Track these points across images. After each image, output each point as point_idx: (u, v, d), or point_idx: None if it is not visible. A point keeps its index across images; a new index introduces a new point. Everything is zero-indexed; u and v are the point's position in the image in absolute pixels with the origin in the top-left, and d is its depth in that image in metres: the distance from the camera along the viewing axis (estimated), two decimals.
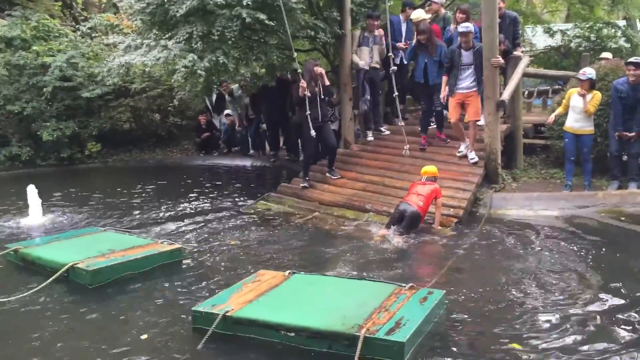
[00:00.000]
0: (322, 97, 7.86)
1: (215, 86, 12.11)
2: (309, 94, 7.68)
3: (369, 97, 8.93)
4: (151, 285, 4.83)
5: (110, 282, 4.82)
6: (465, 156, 7.77)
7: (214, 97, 13.46)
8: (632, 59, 7.17)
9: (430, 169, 6.75)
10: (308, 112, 7.67)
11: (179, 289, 4.73)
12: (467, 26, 7.43)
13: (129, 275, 4.95)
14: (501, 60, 7.35)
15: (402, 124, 8.10)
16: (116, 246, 5.41)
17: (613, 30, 14.66)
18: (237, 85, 12.28)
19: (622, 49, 13.25)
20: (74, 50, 12.32)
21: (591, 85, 7.19)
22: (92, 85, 11.90)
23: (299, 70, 7.92)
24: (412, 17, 8.66)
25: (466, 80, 7.51)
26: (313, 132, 7.75)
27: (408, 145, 7.86)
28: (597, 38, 14.39)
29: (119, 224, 7.05)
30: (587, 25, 14.76)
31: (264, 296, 3.98)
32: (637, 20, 17.37)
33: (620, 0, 12.74)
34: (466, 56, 7.48)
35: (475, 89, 7.52)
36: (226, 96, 12.60)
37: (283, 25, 7.54)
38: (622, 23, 16.05)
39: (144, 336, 3.79)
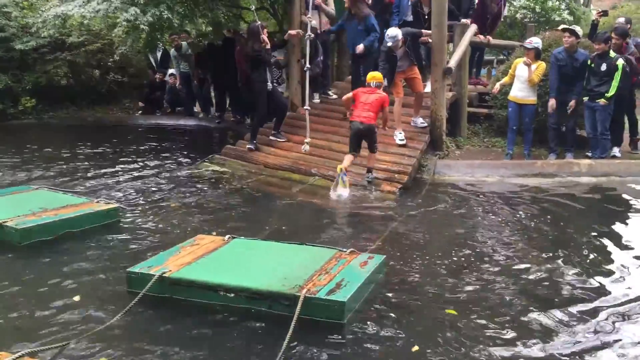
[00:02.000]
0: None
1: (160, 42, 11.66)
2: (269, 47, 7.53)
3: (321, 59, 8.79)
4: (85, 245, 4.65)
5: (41, 242, 4.61)
6: (404, 141, 7.42)
7: (159, 54, 12.97)
8: (568, 27, 7.33)
9: (377, 74, 6.68)
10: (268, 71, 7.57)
11: (114, 251, 4.58)
12: (394, 36, 7.04)
13: (61, 235, 4.76)
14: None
15: (308, 108, 7.75)
16: (49, 205, 5.17)
17: (557, 2, 14.98)
18: (186, 42, 11.85)
19: (565, 21, 13.55)
20: None
21: (537, 55, 7.32)
22: (26, 37, 11.24)
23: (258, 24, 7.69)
24: None
25: (403, 63, 7.38)
26: (270, 85, 7.62)
27: (309, 140, 7.45)
28: (542, 10, 14.68)
29: (53, 182, 6.75)
30: None
31: (203, 259, 3.90)
32: None
33: None
34: (400, 53, 7.31)
35: (412, 64, 7.44)
36: (171, 51, 12.13)
37: None
38: None
39: (76, 298, 3.65)
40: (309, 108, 7.70)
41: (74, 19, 9.59)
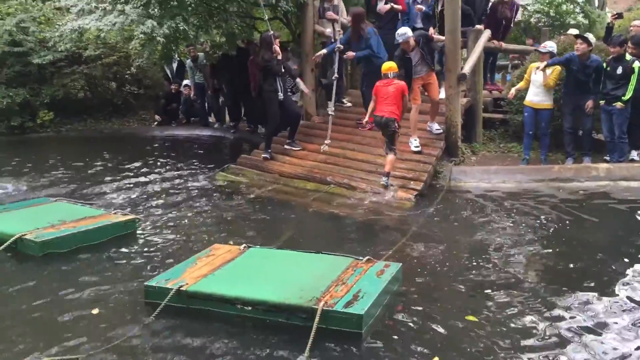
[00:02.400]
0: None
1: (175, 53, 11.78)
2: (280, 57, 7.60)
3: (336, 68, 8.81)
4: (103, 257, 4.70)
5: (61, 254, 4.67)
6: (419, 148, 7.39)
7: (175, 65, 13.08)
8: (580, 34, 7.26)
9: (392, 64, 6.83)
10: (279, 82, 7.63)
11: (132, 262, 4.62)
12: (403, 34, 7.11)
13: (80, 246, 4.81)
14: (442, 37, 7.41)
15: (332, 113, 7.91)
16: (67, 217, 5.24)
17: (572, 6, 14.87)
18: (202, 53, 11.96)
19: (580, 25, 13.45)
20: (24, 13, 11.76)
21: (551, 58, 7.27)
22: (44, 51, 11.42)
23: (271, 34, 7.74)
24: None
25: (421, 68, 7.37)
26: (281, 95, 7.70)
27: (329, 141, 7.58)
28: (557, 14, 14.59)
29: (72, 194, 6.83)
30: (547, 1, 14.92)
31: (219, 270, 3.91)
32: None
33: None
34: (413, 56, 7.30)
35: (430, 70, 7.41)
36: (187, 62, 12.22)
37: None
38: None
39: (95, 310, 3.69)
40: (332, 113, 7.83)
41: (90, 33, 9.72)
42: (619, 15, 8.24)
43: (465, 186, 7.03)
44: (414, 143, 7.36)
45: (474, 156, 8.01)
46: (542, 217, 5.74)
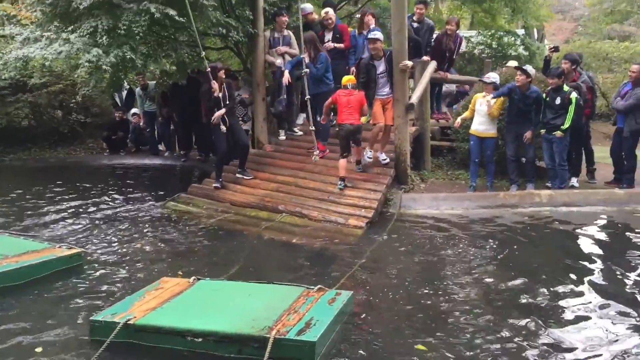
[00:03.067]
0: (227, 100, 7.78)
1: (124, 82, 11.65)
2: (219, 94, 7.56)
3: (284, 97, 8.89)
4: (47, 293, 4.53)
5: (2, 289, 4.47)
6: (372, 159, 7.77)
7: (124, 92, 12.88)
8: (522, 66, 7.60)
9: (350, 77, 7.49)
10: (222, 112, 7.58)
11: (78, 297, 4.46)
12: (376, 33, 7.47)
13: (23, 282, 4.63)
14: (409, 63, 7.49)
15: (313, 128, 7.87)
16: (9, 251, 5.02)
17: (513, 38, 15.55)
18: (154, 81, 11.85)
19: (521, 57, 14.04)
20: None
21: (495, 89, 7.56)
22: None
23: (208, 69, 7.70)
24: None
25: (384, 87, 7.60)
26: (224, 128, 7.63)
27: (318, 151, 7.71)
28: (499, 45, 15.21)
29: (14, 226, 6.58)
30: (490, 33, 15.55)
31: (168, 303, 3.83)
32: (535, 29, 18.52)
33: (520, 9, 13.52)
34: (380, 65, 7.54)
35: (392, 94, 7.59)
36: (137, 90, 12.07)
37: (194, 23, 7.35)
38: (521, 32, 17.06)
39: (39, 349, 3.54)
40: (313, 128, 7.81)
41: (35, 61, 9.51)
42: (556, 49, 8.67)
43: (415, 213, 7.16)
44: (368, 154, 7.65)
45: (423, 183, 8.18)
46: (489, 242, 5.89)
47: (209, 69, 7.57)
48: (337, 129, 7.67)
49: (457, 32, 9.71)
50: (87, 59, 7.43)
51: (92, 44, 7.56)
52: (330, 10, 8.86)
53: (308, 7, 9.32)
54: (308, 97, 7.79)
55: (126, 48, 7.56)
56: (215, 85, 7.54)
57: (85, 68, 7.65)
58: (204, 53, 8.00)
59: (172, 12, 7.39)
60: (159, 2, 7.33)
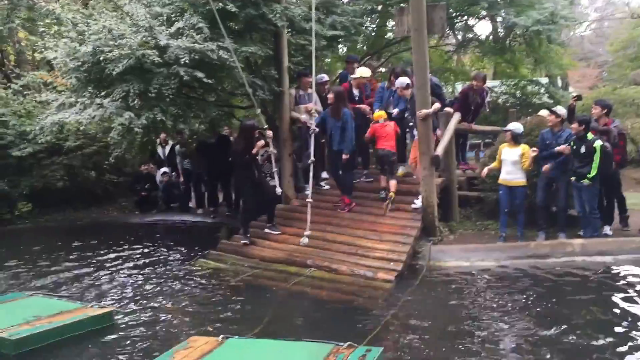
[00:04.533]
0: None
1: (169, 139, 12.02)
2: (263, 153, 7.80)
3: (310, 152, 9.02)
4: (79, 353, 4.58)
5: (35, 350, 4.54)
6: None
7: (167, 148, 13.00)
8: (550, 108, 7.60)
9: (381, 112, 8.43)
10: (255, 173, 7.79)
11: (108, 357, 4.49)
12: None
13: (56, 342, 4.69)
14: (428, 111, 7.57)
15: (310, 197, 7.84)
16: (42, 312, 5.13)
17: (537, 87, 15.60)
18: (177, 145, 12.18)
19: (545, 105, 14.04)
20: (4, 108, 11.97)
21: (513, 138, 7.56)
22: (24, 144, 11.51)
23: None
24: (355, 75, 8.96)
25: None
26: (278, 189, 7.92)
27: (309, 232, 7.45)
28: (522, 94, 15.26)
29: (48, 287, 6.71)
30: (513, 83, 15.64)
31: None
32: (558, 77, 18.57)
33: (542, 59, 13.61)
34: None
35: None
36: (177, 148, 12.34)
37: (221, 83, 7.61)
38: (544, 80, 17.11)
39: None
40: (311, 200, 7.75)
41: (70, 124, 9.89)
42: (579, 97, 8.67)
43: (444, 265, 7.07)
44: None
45: (451, 235, 8.10)
46: (522, 295, 5.77)
47: (251, 123, 7.97)
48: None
49: (484, 86, 9.81)
50: (119, 122, 7.72)
51: (125, 107, 7.86)
52: (365, 72, 9.05)
53: (324, 77, 9.61)
54: (312, 159, 7.87)
55: (157, 110, 7.83)
56: (261, 143, 7.81)
57: (117, 130, 7.93)
58: (259, 110, 8.52)
59: (200, 74, 7.67)
60: (188, 66, 7.61)
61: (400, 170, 8.87)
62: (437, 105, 7.89)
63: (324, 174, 9.71)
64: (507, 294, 5.79)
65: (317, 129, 8.06)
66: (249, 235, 8.02)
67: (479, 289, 6.08)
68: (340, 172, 8.37)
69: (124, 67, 7.59)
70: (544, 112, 9.88)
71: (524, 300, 5.57)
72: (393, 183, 8.07)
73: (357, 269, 6.76)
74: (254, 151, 7.80)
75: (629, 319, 4.95)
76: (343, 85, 8.96)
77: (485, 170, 8.03)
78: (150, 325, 5.25)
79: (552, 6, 11.55)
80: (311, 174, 7.99)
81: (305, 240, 7.34)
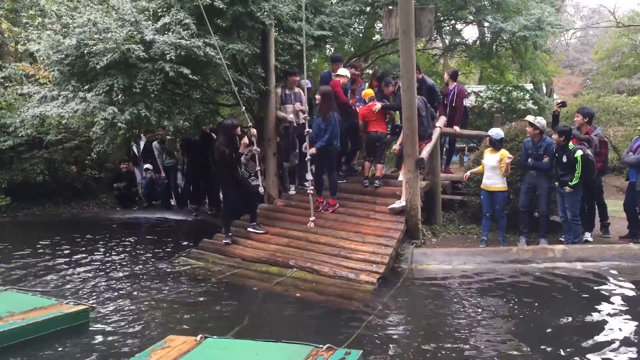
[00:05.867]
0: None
1: (142, 135, 11.88)
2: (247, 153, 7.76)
3: (298, 152, 9.00)
4: (53, 350, 4.49)
5: (8, 348, 4.43)
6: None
7: (142, 143, 12.94)
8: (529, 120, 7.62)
9: (368, 91, 8.69)
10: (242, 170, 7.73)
11: (83, 355, 4.41)
12: None
13: (29, 340, 4.58)
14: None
15: (309, 188, 8.04)
16: (16, 308, 5.01)
17: (522, 93, 15.70)
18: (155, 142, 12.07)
19: (530, 111, 14.15)
20: None
21: (492, 144, 7.60)
22: (4, 136, 11.32)
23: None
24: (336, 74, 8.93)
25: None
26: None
27: (313, 218, 7.85)
28: (508, 100, 15.35)
29: (23, 282, 6.59)
30: (498, 88, 15.74)
31: None
32: (543, 84, 18.74)
33: (527, 65, 13.71)
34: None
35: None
36: (154, 144, 12.22)
37: (207, 80, 7.51)
38: (530, 86, 17.26)
39: None
40: (311, 189, 8.08)
41: (52, 118, 9.73)
42: (563, 104, 8.72)
43: (426, 268, 7.08)
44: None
45: (434, 238, 8.11)
46: (502, 299, 5.78)
47: (230, 122, 7.91)
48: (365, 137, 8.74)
49: (456, 84, 9.85)
50: (102, 117, 7.59)
51: (108, 102, 7.74)
52: (344, 72, 9.03)
53: (308, 83, 9.59)
54: (309, 157, 7.97)
55: (141, 106, 7.72)
56: (245, 140, 7.81)
57: (100, 125, 7.80)
58: (244, 108, 8.36)
59: (186, 70, 7.58)
60: (174, 62, 7.52)
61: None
62: (443, 119, 8.05)
63: (309, 175, 9.66)
64: (488, 298, 5.81)
65: (310, 130, 7.99)
66: (230, 234, 7.95)
67: (460, 293, 6.08)
68: (318, 170, 8.35)
69: (108, 61, 7.46)
70: (530, 118, 9.94)
71: (504, 305, 5.58)
72: (379, 166, 8.58)
73: (340, 270, 6.73)
74: (240, 150, 7.75)
75: (609, 324, 4.98)
76: (333, 81, 8.90)
77: (468, 173, 8.07)
78: (127, 324, 5.16)
79: (539, 13, 11.65)
80: (310, 169, 8.17)
81: (311, 224, 7.81)
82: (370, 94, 8.58)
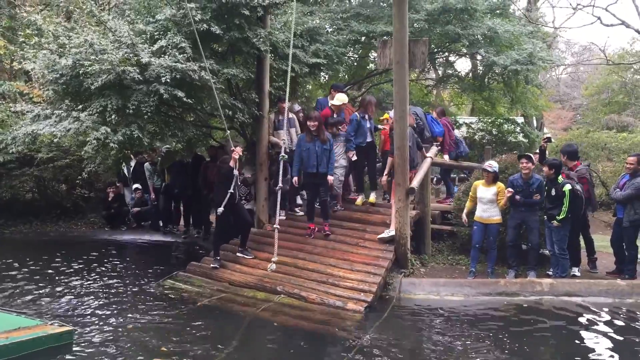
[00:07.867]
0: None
1: (132, 156, 11.86)
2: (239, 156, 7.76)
3: (289, 177, 9.02)
4: None
5: None
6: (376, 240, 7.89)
7: (132, 164, 12.89)
8: (525, 154, 7.71)
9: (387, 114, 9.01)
10: (231, 190, 7.66)
11: None
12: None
13: (13, 358, 4.53)
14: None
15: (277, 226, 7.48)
16: (0, 327, 4.94)
17: (512, 126, 15.89)
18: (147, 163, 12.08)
19: (520, 144, 14.30)
20: None
21: (495, 178, 7.64)
22: None
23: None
24: (334, 101, 9.00)
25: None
26: (220, 209, 7.65)
27: (275, 258, 7.11)
28: (499, 132, 15.52)
29: (8, 302, 6.50)
30: (490, 120, 15.92)
31: None
32: (534, 117, 18.98)
33: (518, 99, 13.90)
34: None
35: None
36: (146, 165, 12.17)
37: (201, 103, 7.53)
38: (520, 120, 17.48)
39: None
40: (278, 227, 7.48)
41: (44, 136, 9.71)
42: (548, 140, 8.87)
43: (414, 298, 7.07)
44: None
45: (423, 268, 8.11)
46: (489, 332, 5.77)
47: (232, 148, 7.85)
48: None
49: (444, 118, 10.21)
50: (95, 137, 7.58)
51: (101, 122, 7.74)
52: (343, 97, 9.12)
53: (295, 106, 9.73)
54: (280, 186, 7.68)
55: (134, 127, 7.73)
56: (239, 150, 7.82)
57: (92, 145, 7.79)
58: (228, 132, 8.25)
59: (180, 93, 7.62)
60: (168, 84, 7.56)
61: (372, 197, 8.92)
62: (434, 149, 8.09)
63: (299, 200, 9.68)
64: (475, 330, 5.80)
65: (286, 156, 7.79)
66: (219, 258, 7.92)
67: (447, 323, 6.07)
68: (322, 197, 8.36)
69: (103, 81, 7.49)
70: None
71: (491, 337, 5.57)
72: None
73: (327, 298, 6.70)
74: (230, 164, 7.72)
75: (593, 357, 4.98)
76: (325, 110, 8.99)
77: (465, 217, 7.97)
78: (110, 346, 5.10)
79: (531, 48, 11.87)
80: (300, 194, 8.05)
81: (272, 266, 7.08)
82: (386, 117, 8.95)
